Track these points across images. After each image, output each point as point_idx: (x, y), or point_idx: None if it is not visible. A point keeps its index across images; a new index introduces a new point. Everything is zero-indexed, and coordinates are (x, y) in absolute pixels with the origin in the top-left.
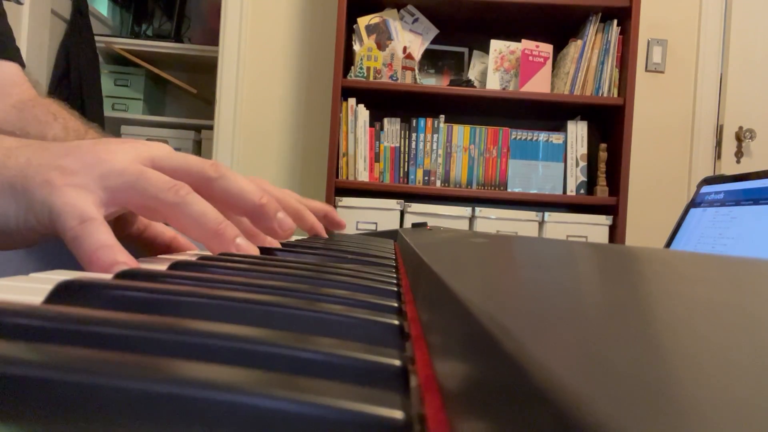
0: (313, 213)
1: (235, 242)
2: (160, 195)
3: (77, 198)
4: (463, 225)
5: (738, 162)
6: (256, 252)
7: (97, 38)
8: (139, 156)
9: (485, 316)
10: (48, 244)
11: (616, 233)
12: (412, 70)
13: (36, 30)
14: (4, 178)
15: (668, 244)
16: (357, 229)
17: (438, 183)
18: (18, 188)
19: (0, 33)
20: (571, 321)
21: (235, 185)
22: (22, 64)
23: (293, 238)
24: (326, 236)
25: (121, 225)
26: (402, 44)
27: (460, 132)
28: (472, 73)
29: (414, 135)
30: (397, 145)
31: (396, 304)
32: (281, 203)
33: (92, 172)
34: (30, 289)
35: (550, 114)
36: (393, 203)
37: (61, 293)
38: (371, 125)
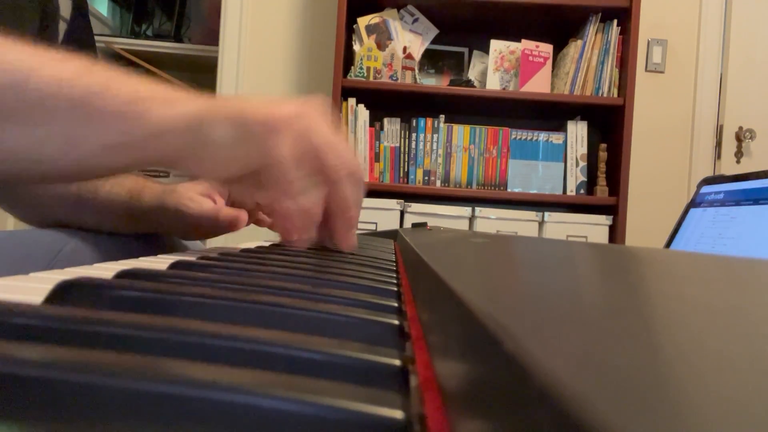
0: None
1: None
2: (331, 173)
3: (291, 153)
4: (463, 225)
5: (738, 162)
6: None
7: (97, 38)
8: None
9: (485, 316)
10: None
11: (616, 233)
12: (412, 70)
13: None
14: (225, 112)
15: (668, 244)
16: (357, 228)
17: (438, 183)
18: (237, 120)
19: None
20: (571, 321)
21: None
22: None
23: None
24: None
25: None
26: (402, 44)
27: (460, 132)
28: (472, 73)
29: (414, 135)
30: (397, 145)
31: (396, 304)
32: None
33: (298, 126)
34: (30, 289)
35: (550, 114)
36: (393, 203)
37: (61, 293)
38: (371, 125)
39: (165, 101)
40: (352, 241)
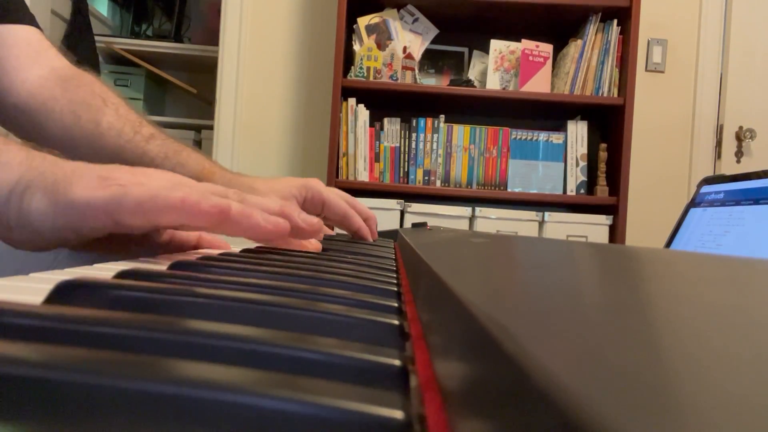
0: (359, 214)
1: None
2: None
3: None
4: (463, 225)
5: (738, 162)
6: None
7: (97, 38)
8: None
9: (485, 316)
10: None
11: (616, 233)
12: (412, 70)
13: None
14: (49, 181)
15: (668, 244)
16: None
17: (438, 183)
18: (60, 191)
19: (13, 2)
20: (571, 321)
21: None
22: (39, 28)
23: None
24: (371, 240)
25: (149, 238)
26: (402, 44)
27: (460, 132)
28: (472, 73)
29: (414, 135)
30: (397, 145)
31: (396, 304)
32: (330, 202)
33: (132, 181)
34: (30, 289)
35: (550, 114)
36: (393, 203)
37: (61, 293)
38: (371, 125)
39: None
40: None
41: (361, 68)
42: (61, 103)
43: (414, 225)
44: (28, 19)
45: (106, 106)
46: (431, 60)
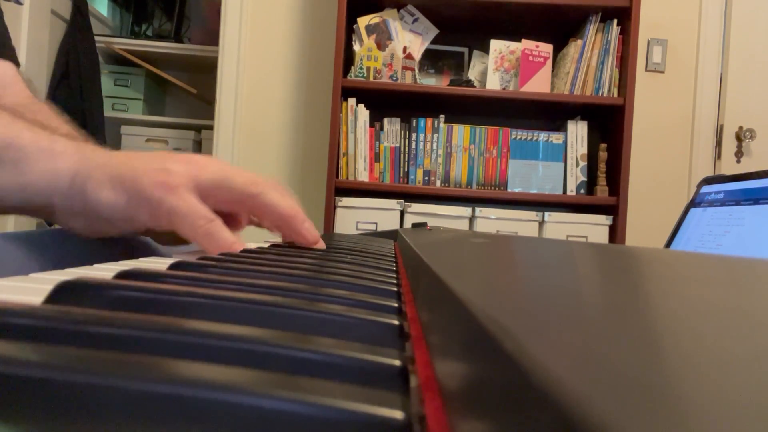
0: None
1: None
2: (245, 189)
3: (196, 201)
4: (463, 225)
5: (738, 162)
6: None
7: (97, 38)
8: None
9: (485, 316)
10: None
11: (616, 233)
12: (412, 70)
13: (36, 30)
14: (113, 173)
15: (668, 244)
16: (357, 229)
17: (438, 183)
18: (128, 183)
19: None
20: (571, 321)
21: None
22: (17, 63)
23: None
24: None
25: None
26: (402, 44)
27: (460, 132)
28: (472, 73)
29: (414, 135)
30: (397, 145)
31: (396, 304)
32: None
33: (190, 174)
34: (30, 289)
35: (550, 114)
36: (393, 203)
37: (61, 293)
38: (371, 125)
39: (46, 153)
40: (311, 237)
41: (361, 68)
42: None
43: (414, 225)
44: (4, 53)
45: (44, 130)
46: (431, 60)
